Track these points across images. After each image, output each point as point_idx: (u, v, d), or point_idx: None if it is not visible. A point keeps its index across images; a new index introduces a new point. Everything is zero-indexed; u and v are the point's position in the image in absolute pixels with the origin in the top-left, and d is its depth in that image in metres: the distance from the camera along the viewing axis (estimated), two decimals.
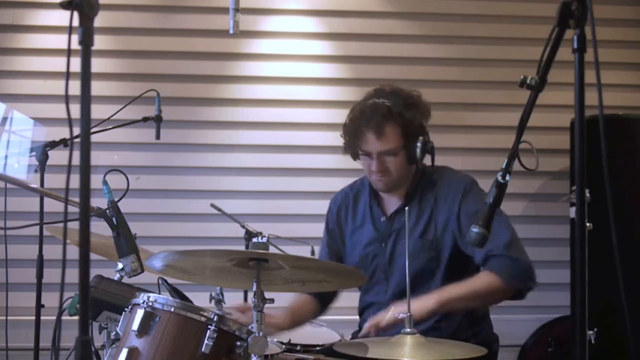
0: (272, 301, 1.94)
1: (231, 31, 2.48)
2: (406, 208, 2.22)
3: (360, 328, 2.68)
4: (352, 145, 2.51)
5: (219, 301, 2.97)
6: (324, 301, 2.76)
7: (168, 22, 4.11)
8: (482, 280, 2.37)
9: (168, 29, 4.12)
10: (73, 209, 1.29)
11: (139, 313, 1.86)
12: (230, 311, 2.40)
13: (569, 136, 3.89)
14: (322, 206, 3.64)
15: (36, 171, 2.95)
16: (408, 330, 2.00)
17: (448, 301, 2.31)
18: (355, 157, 2.55)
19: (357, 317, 2.75)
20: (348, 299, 2.84)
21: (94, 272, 1.98)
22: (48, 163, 2.95)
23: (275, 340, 2.44)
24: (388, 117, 2.41)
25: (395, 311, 2.23)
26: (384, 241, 2.58)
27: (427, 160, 2.56)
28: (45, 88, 3.98)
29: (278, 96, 4.13)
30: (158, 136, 3.13)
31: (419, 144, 2.43)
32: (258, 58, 4.16)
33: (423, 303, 2.27)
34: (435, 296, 2.31)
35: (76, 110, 1.19)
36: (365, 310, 2.68)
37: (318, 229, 3.79)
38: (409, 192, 2.55)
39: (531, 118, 1.64)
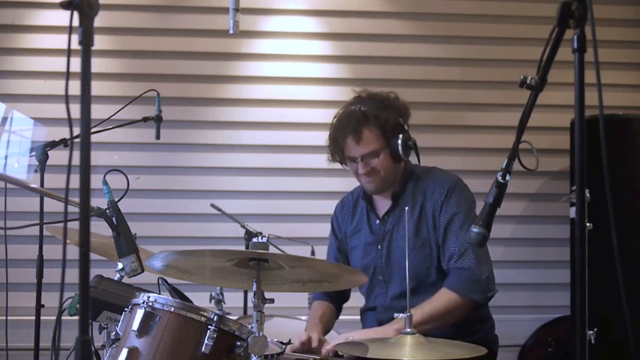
0: (272, 301, 1.94)
1: (231, 31, 2.48)
2: (406, 208, 2.23)
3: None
4: (337, 153, 2.58)
5: (219, 301, 2.98)
6: (339, 302, 2.78)
7: (169, 22, 4.11)
8: (440, 300, 2.40)
9: (168, 29, 4.12)
10: (73, 209, 1.29)
11: (139, 313, 1.86)
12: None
13: (569, 136, 3.89)
14: (322, 206, 3.66)
15: (36, 171, 2.95)
16: (408, 330, 2.00)
17: (419, 327, 2.23)
18: (342, 162, 2.61)
19: (357, 317, 2.75)
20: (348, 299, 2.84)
21: (94, 272, 1.98)
22: (48, 163, 2.94)
23: (275, 340, 2.44)
24: (363, 121, 2.49)
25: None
26: (379, 244, 2.60)
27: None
28: (45, 88, 3.98)
29: (278, 96, 4.14)
30: (158, 136, 3.12)
31: (399, 141, 2.48)
32: (258, 58, 4.16)
33: (387, 330, 2.30)
34: (396, 326, 2.30)
35: (76, 110, 1.19)
36: (366, 312, 2.68)
37: (318, 229, 3.81)
38: (396, 192, 2.58)
39: (531, 118, 1.64)
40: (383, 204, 2.64)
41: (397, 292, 2.53)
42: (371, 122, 2.49)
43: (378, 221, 2.63)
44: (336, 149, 2.56)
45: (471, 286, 2.42)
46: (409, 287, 2.03)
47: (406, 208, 2.24)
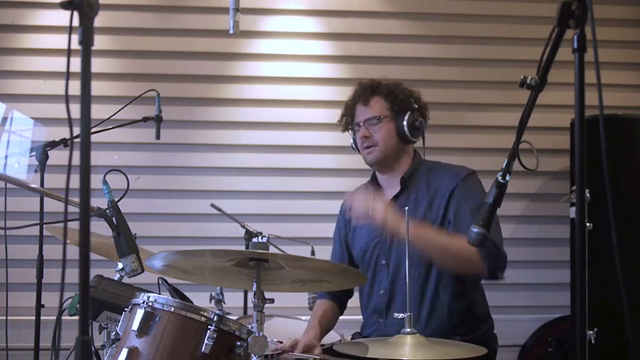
0: (272, 301, 1.95)
1: (231, 31, 2.48)
2: (406, 208, 2.20)
3: (362, 326, 2.69)
4: (347, 120, 2.68)
5: (219, 301, 2.98)
6: (342, 301, 2.79)
7: (169, 22, 4.11)
8: (460, 242, 2.25)
9: (168, 29, 4.12)
10: (73, 209, 1.29)
11: (139, 313, 1.86)
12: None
13: (569, 136, 3.89)
14: (322, 206, 3.68)
15: (36, 171, 2.95)
16: (408, 330, 2.00)
17: (421, 235, 2.31)
18: (347, 129, 2.68)
19: (358, 317, 2.74)
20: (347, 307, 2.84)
21: (94, 272, 1.98)
22: (48, 163, 2.94)
23: (275, 340, 2.45)
24: (373, 89, 2.62)
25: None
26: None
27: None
28: (45, 88, 3.98)
29: (278, 96, 4.14)
30: (158, 136, 3.12)
31: (406, 117, 2.54)
32: (258, 58, 4.16)
33: (400, 222, 2.24)
34: (415, 227, 2.25)
35: (76, 110, 1.19)
36: (368, 297, 2.67)
37: (318, 229, 3.82)
38: (405, 177, 2.57)
39: (531, 118, 1.64)
40: (391, 187, 2.62)
41: (395, 273, 2.51)
42: (380, 91, 2.59)
43: None
44: (348, 117, 2.66)
45: (490, 256, 2.34)
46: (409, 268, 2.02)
47: (406, 208, 2.21)
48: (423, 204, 2.51)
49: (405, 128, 2.54)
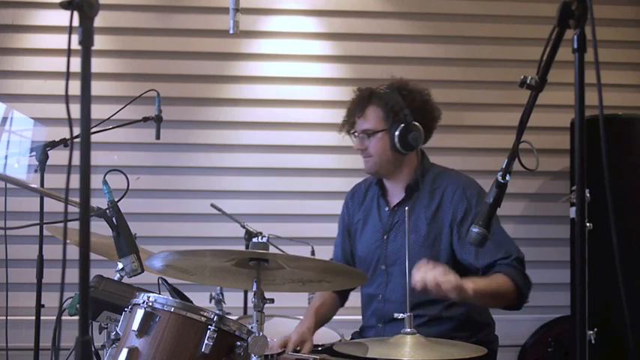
0: (272, 301, 1.95)
1: (231, 31, 2.48)
2: (406, 208, 2.21)
3: (362, 329, 2.69)
4: (347, 125, 2.64)
5: (219, 301, 2.98)
6: (344, 293, 2.78)
7: (168, 22, 4.11)
8: (502, 281, 2.35)
9: (168, 29, 4.12)
10: (73, 209, 1.29)
11: (139, 313, 1.86)
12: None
13: (569, 136, 3.89)
14: (322, 206, 3.68)
15: (36, 171, 2.95)
16: (408, 330, 2.00)
17: (479, 293, 2.22)
18: (347, 132, 2.65)
19: (357, 317, 2.74)
20: (348, 299, 2.84)
21: (94, 272, 1.99)
22: (48, 163, 2.94)
23: (275, 340, 2.45)
24: (369, 98, 2.57)
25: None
26: (385, 234, 2.59)
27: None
28: (45, 88, 3.97)
29: (278, 96, 4.13)
30: (158, 136, 3.12)
31: (397, 132, 2.49)
32: (258, 58, 4.16)
33: (462, 284, 2.16)
34: (472, 285, 2.19)
35: (76, 110, 1.19)
36: (367, 302, 2.66)
37: (318, 229, 3.83)
38: (410, 184, 2.56)
39: (531, 118, 1.64)
40: (396, 194, 2.62)
41: (398, 286, 2.52)
42: (375, 101, 2.54)
43: (387, 209, 2.62)
44: (348, 122, 2.62)
45: (525, 285, 2.39)
46: (410, 283, 2.03)
47: (406, 208, 2.22)
48: (427, 214, 2.51)
49: (397, 144, 2.50)
